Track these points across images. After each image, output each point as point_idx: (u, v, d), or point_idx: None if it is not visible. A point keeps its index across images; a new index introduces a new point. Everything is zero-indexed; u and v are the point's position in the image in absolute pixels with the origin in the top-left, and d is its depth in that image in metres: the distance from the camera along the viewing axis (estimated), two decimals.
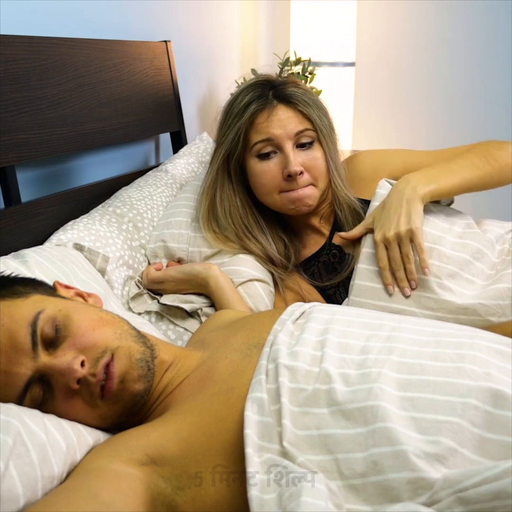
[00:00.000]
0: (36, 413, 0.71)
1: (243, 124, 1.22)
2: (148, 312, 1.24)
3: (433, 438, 0.61)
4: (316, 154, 1.23)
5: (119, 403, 0.76)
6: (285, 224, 1.34)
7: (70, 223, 1.24)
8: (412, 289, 1.07)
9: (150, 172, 1.56)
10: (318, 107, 1.25)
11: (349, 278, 1.18)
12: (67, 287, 0.89)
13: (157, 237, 1.34)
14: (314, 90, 2.05)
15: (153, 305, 1.25)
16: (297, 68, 2.06)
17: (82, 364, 0.73)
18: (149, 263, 1.33)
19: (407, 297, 1.07)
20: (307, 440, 0.65)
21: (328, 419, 0.66)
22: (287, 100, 1.22)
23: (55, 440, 0.68)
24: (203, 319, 1.22)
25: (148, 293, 1.27)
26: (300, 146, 1.22)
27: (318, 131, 1.22)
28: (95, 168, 1.57)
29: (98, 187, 1.45)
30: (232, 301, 1.19)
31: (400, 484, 0.59)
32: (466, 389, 0.65)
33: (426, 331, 0.76)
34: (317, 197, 1.24)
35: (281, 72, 2.07)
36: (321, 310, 0.84)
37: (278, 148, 1.21)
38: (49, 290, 0.85)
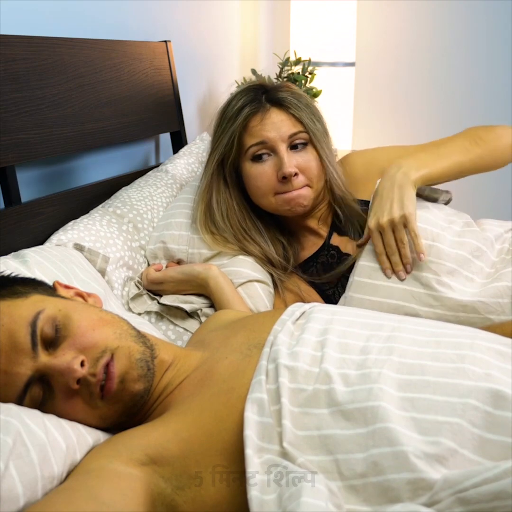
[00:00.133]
0: (36, 413, 0.71)
1: (237, 128, 1.22)
2: (148, 312, 1.24)
3: (433, 439, 0.61)
4: (310, 156, 1.23)
5: (119, 403, 0.76)
6: (283, 226, 1.34)
7: (71, 223, 1.24)
8: (407, 272, 1.08)
9: (150, 172, 1.56)
10: (311, 110, 1.25)
11: (347, 277, 1.19)
12: (67, 287, 0.89)
13: (157, 238, 1.34)
14: (314, 90, 2.05)
15: (153, 306, 1.25)
16: (297, 68, 2.06)
17: (82, 364, 0.73)
18: (148, 264, 1.33)
19: (402, 280, 1.09)
20: (307, 440, 0.65)
21: (328, 419, 0.65)
22: (280, 104, 1.23)
23: (55, 440, 0.68)
24: (203, 319, 1.21)
25: (147, 293, 1.27)
26: (294, 148, 1.23)
27: (310, 134, 1.23)
28: (95, 168, 1.57)
29: (98, 187, 1.45)
30: (232, 302, 1.19)
31: (400, 484, 0.59)
32: (466, 390, 0.65)
33: (426, 331, 0.76)
34: (312, 198, 1.24)
35: (281, 72, 2.07)
36: (321, 310, 0.84)
37: (272, 150, 1.22)
38: (49, 290, 0.85)
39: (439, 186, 1.23)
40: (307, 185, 1.23)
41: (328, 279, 1.25)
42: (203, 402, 0.73)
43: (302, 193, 1.22)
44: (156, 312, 1.23)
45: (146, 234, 1.35)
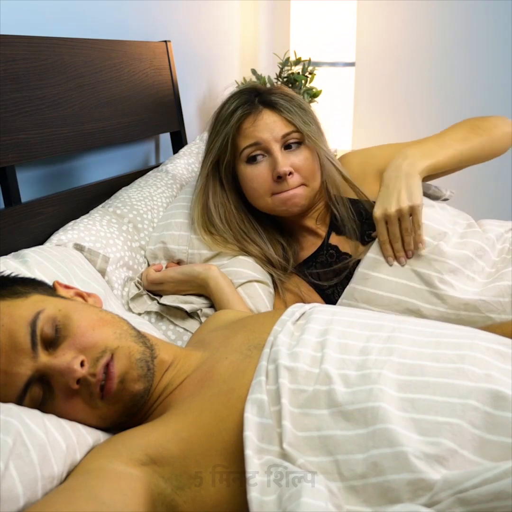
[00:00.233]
0: (36, 413, 0.71)
1: (230, 130, 1.23)
2: (148, 313, 1.24)
3: (433, 439, 0.61)
4: (304, 155, 1.23)
5: (119, 403, 0.76)
6: (282, 227, 1.34)
7: (71, 223, 1.24)
8: (408, 257, 1.10)
9: (150, 172, 1.56)
10: (305, 112, 1.25)
11: (347, 278, 1.19)
12: (67, 287, 0.89)
13: (157, 238, 1.34)
14: (314, 90, 2.05)
15: (153, 306, 1.25)
16: (297, 68, 2.06)
17: (82, 364, 0.73)
18: (148, 265, 1.33)
19: (402, 265, 1.11)
20: (307, 441, 0.65)
21: (328, 420, 0.65)
22: (272, 106, 1.24)
23: (55, 440, 0.68)
24: (203, 319, 1.21)
25: (147, 294, 1.27)
26: (288, 147, 1.23)
27: (304, 135, 1.23)
28: (95, 168, 1.57)
29: (98, 187, 1.45)
30: (232, 302, 1.19)
31: (400, 485, 0.59)
32: (466, 390, 0.65)
33: (426, 331, 0.76)
34: (308, 197, 1.24)
35: (281, 72, 2.07)
36: (321, 311, 0.84)
37: (266, 151, 1.22)
38: (49, 290, 0.85)
39: (439, 181, 1.24)
40: (303, 184, 1.23)
41: (327, 279, 1.26)
42: (203, 402, 0.73)
43: (298, 192, 1.22)
44: (156, 312, 1.23)
45: (146, 234, 1.35)
